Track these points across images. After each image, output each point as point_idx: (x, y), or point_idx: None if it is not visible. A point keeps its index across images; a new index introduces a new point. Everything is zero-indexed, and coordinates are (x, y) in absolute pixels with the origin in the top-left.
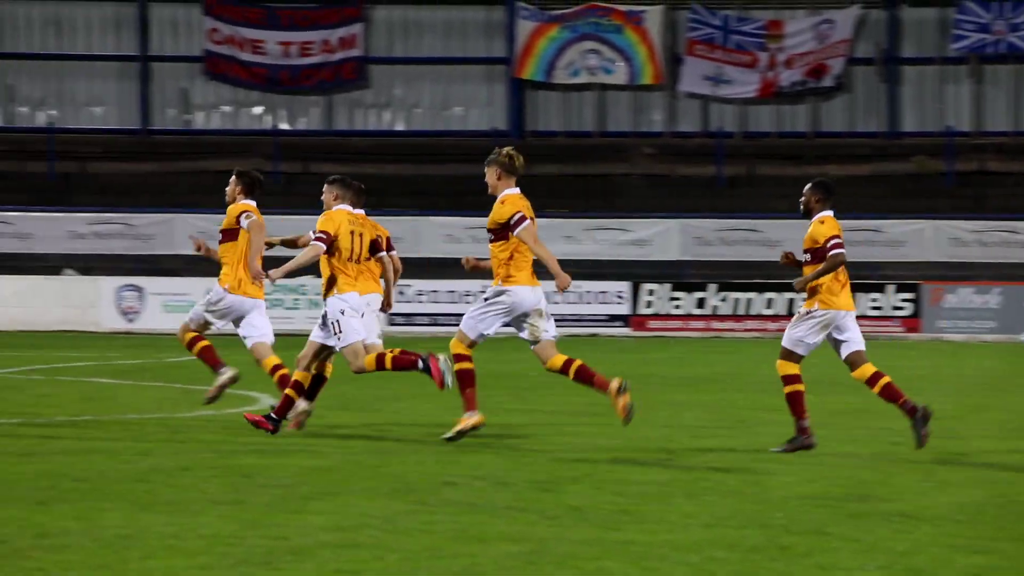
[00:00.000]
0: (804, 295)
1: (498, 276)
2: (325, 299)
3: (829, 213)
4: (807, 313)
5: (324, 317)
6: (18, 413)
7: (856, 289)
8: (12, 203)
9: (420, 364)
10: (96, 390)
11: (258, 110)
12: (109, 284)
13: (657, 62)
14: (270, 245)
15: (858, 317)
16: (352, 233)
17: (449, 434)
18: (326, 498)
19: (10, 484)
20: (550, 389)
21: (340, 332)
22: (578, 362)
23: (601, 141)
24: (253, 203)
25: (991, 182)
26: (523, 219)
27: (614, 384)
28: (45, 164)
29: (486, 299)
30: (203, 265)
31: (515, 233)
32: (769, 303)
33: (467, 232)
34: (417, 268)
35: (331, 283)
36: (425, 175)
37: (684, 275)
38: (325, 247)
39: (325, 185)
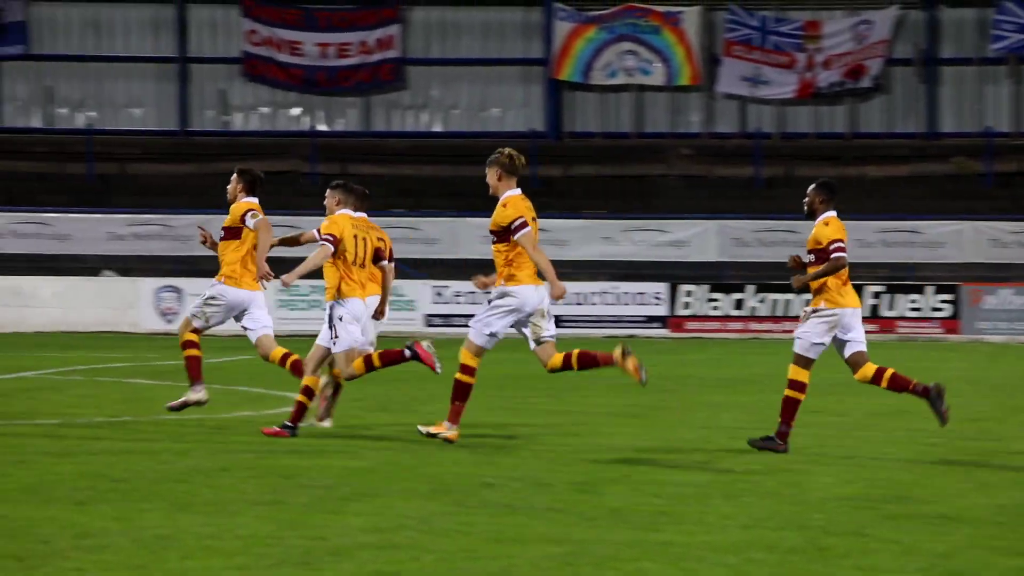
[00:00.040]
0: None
1: (500, 277)
2: (327, 302)
3: (833, 214)
4: (813, 311)
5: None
6: (57, 414)
7: (895, 290)
8: (51, 204)
9: (407, 353)
10: (135, 391)
11: (296, 111)
12: (148, 285)
13: (695, 63)
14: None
15: (897, 318)
16: (356, 237)
17: (423, 429)
18: (364, 499)
19: (50, 484)
20: (588, 390)
21: (336, 337)
22: (576, 351)
23: (638, 142)
24: (255, 201)
25: None
26: (523, 225)
27: (616, 352)
28: (84, 165)
29: (490, 302)
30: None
31: (514, 238)
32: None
33: None
34: (454, 269)
35: (334, 286)
36: (462, 176)
37: (722, 276)
38: (334, 248)
39: (328, 190)
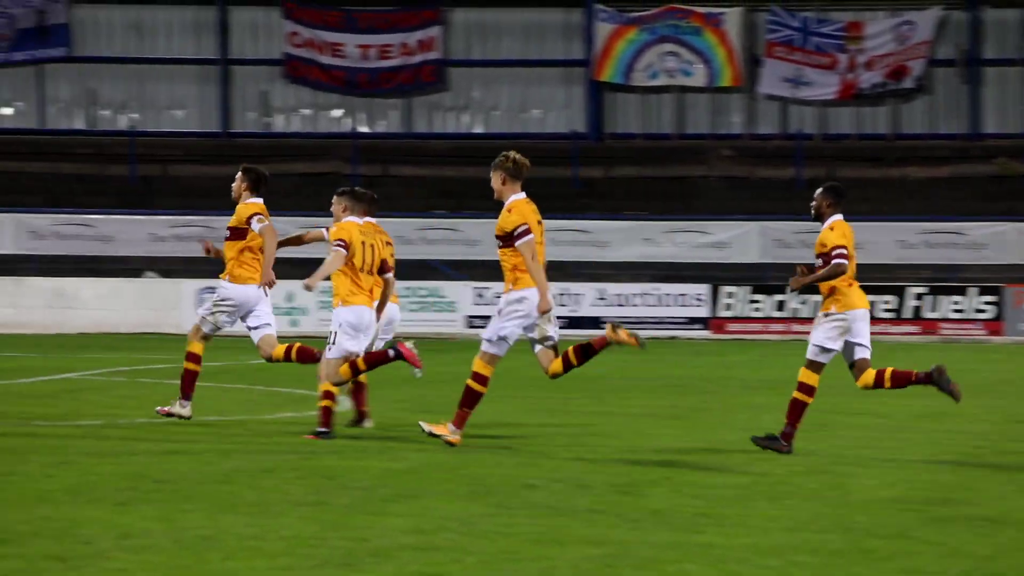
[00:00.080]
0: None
1: (508, 282)
2: (335, 308)
3: (839, 217)
4: (825, 316)
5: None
6: (100, 415)
7: (938, 292)
8: (94, 206)
9: (392, 354)
10: (177, 392)
11: (337, 113)
12: (190, 286)
13: (736, 64)
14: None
15: (940, 320)
16: (363, 244)
17: (426, 426)
18: (406, 500)
19: (92, 485)
20: (629, 392)
21: (332, 344)
22: (569, 349)
23: (680, 143)
24: (260, 200)
25: None
26: (526, 232)
27: (607, 330)
28: (126, 167)
29: (500, 311)
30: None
31: (515, 245)
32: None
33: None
34: (495, 271)
35: (340, 293)
36: None
37: (764, 277)
38: (347, 252)
39: (335, 196)
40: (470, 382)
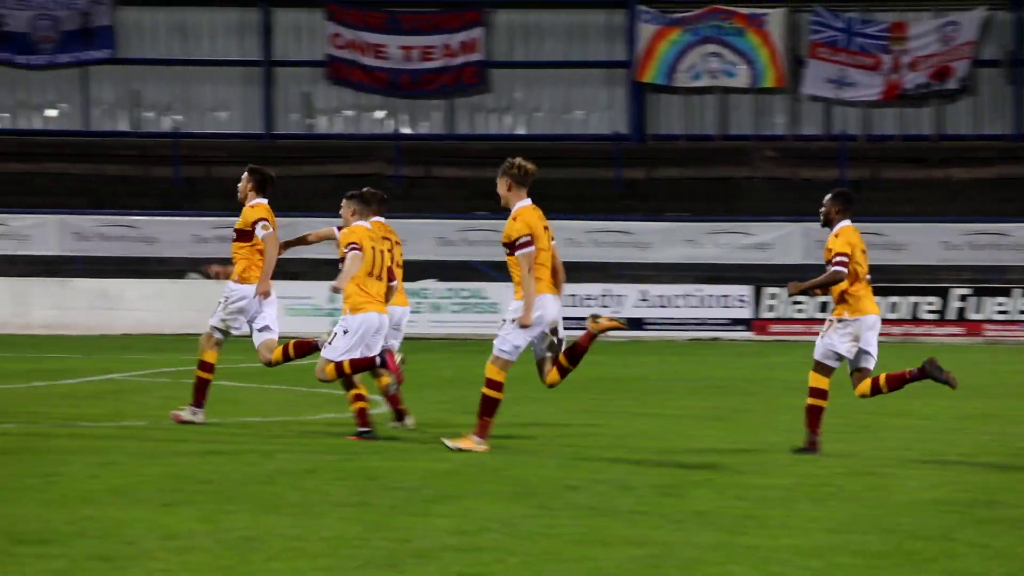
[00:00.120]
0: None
1: (519, 289)
2: (344, 313)
3: (847, 224)
4: (838, 321)
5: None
6: (144, 416)
7: (982, 293)
8: (138, 207)
9: (378, 361)
10: (220, 393)
11: (380, 114)
12: None
13: (779, 65)
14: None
15: (984, 321)
16: (373, 249)
17: (450, 443)
18: (449, 501)
19: (136, 486)
20: (671, 393)
21: (330, 344)
22: (561, 355)
23: (723, 144)
24: (265, 202)
25: None
26: (527, 244)
27: (589, 323)
28: (171, 169)
29: (512, 320)
30: (325, 269)
31: (515, 254)
32: (893, 307)
33: (588, 236)
34: None
35: (349, 297)
36: (546, 179)
37: (807, 279)
38: (362, 252)
39: (344, 200)
40: (486, 390)
